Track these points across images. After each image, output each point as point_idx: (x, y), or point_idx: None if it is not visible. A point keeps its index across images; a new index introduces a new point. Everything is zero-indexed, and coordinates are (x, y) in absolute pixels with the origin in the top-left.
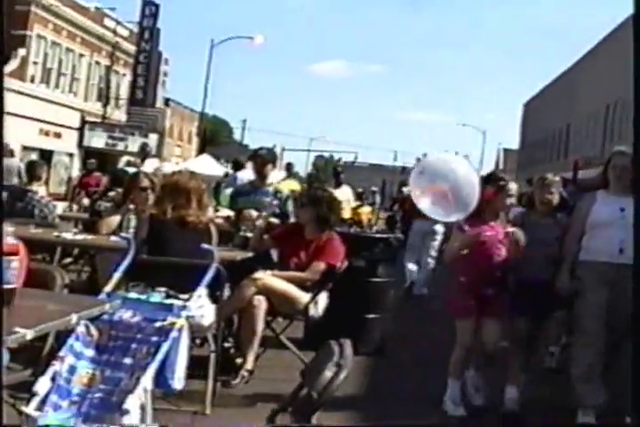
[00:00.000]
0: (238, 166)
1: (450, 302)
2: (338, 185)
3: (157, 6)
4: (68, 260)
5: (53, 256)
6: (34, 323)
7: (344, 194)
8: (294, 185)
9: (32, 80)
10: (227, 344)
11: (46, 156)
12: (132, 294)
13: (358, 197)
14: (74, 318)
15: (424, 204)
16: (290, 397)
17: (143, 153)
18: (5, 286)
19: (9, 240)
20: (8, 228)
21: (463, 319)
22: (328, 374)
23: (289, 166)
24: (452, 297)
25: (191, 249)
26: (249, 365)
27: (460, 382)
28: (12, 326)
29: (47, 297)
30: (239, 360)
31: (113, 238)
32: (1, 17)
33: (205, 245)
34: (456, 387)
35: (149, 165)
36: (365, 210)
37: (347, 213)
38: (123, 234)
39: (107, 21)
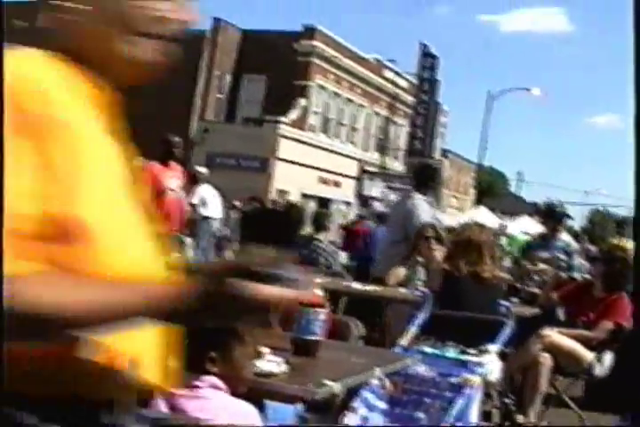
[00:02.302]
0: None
1: None
2: None
3: (437, 58)
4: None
5: (337, 306)
6: (340, 376)
7: None
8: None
9: (312, 129)
10: (507, 400)
11: (324, 203)
12: (427, 349)
13: None
14: (377, 371)
15: None
16: None
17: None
18: (312, 338)
19: (316, 292)
20: (316, 280)
21: None
22: None
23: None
24: None
25: (486, 304)
26: (531, 422)
27: None
28: (319, 378)
29: (348, 349)
30: (520, 417)
31: (402, 290)
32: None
33: (504, 302)
34: None
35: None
36: None
37: None
38: (419, 288)
39: (386, 73)
